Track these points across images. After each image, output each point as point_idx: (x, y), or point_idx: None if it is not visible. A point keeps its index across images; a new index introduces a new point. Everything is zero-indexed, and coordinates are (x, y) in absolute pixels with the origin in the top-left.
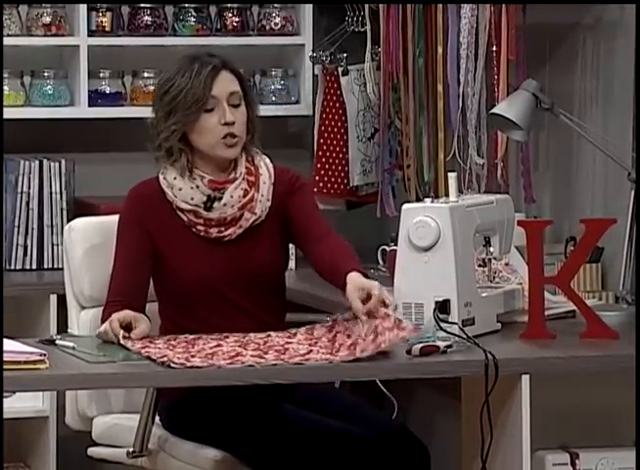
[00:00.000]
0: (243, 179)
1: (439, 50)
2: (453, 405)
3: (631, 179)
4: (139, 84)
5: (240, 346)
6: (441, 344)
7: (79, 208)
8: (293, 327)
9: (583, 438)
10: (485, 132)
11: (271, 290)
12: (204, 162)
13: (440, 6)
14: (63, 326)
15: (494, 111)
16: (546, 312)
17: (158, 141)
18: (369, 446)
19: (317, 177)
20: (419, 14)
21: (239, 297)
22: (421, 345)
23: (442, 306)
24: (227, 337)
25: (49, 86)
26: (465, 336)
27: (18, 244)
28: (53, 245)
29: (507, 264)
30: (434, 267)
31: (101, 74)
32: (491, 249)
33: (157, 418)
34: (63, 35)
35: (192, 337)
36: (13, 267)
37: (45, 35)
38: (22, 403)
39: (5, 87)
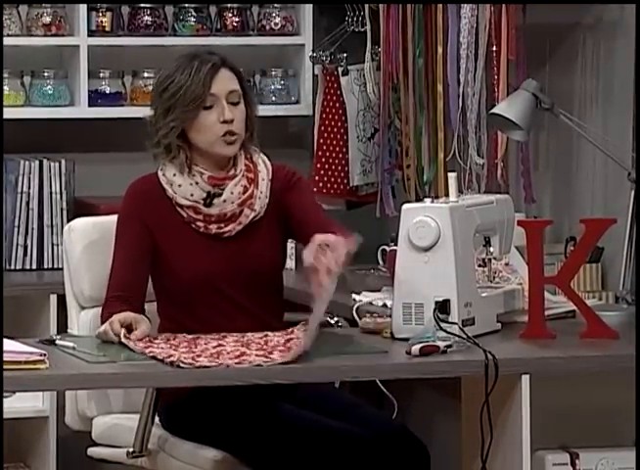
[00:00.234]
0: (242, 176)
1: (439, 50)
2: (453, 405)
3: (631, 179)
4: (139, 84)
5: (242, 345)
6: (441, 344)
7: (79, 208)
8: (291, 327)
9: (583, 438)
10: (485, 132)
11: (270, 288)
12: (202, 159)
13: (440, 6)
14: (63, 326)
15: (494, 111)
16: (546, 312)
17: (156, 138)
18: (369, 446)
19: (317, 177)
20: (419, 14)
21: (237, 293)
22: (421, 345)
23: (442, 306)
24: (225, 337)
25: (49, 86)
26: (465, 336)
27: (18, 244)
28: (53, 245)
29: (507, 264)
30: (433, 267)
31: (101, 74)
32: (491, 249)
33: (156, 418)
34: (63, 35)
35: (190, 337)
36: (13, 267)
37: (45, 35)
38: (22, 403)
39: (5, 87)
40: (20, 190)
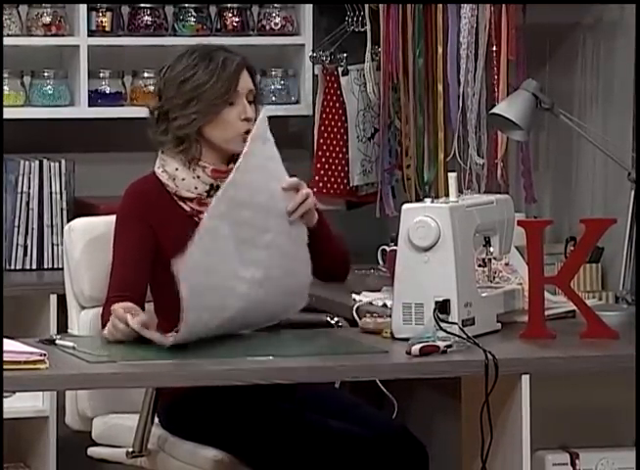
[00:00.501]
0: None
1: (439, 50)
2: (453, 405)
3: (631, 179)
4: (139, 84)
5: None
6: (441, 344)
7: (79, 208)
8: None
9: (583, 438)
10: (485, 132)
11: None
12: (210, 153)
13: (440, 6)
14: (63, 326)
15: (494, 111)
16: (546, 312)
17: (168, 127)
18: (369, 447)
19: (317, 177)
20: (419, 14)
21: None
22: (421, 345)
23: (442, 306)
24: None
25: (49, 86)
26: (465, 336)
27: (18, 244)
28: (53, 245)
29: (507, 264)
30: (434, 267)
31: (101, 74)
32: (491, 249)
33: (156, 418)
34: (63, 35)
35: None
36: (13, 267)
37: (45, 35)
38: (22, 403)
39: (5, 87)
40: (20, 190)
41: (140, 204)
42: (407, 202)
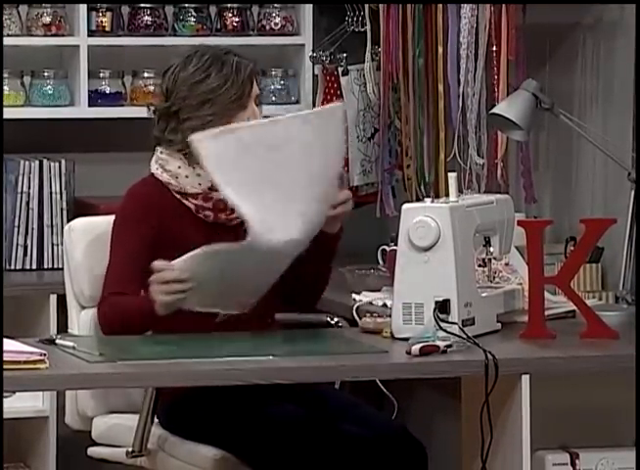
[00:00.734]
0: None
1: (439, 50)
2: (453, 405)
3: (631, 179)
4: (139, 84)
5: None
6: (441, 344)
7: (79, 208)
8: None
9: (583, 438)
10: (485, 132)
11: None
12: None
13: (440, 6)
14: (63, 326)
15: (494, 111)
16: (546, 312)
17: (177, 126)
18: (368, 447)
19: None
20: (419, 14)
21: None
22: (421, 345)
23: (442, 306)
24: None
25: (49, 86)
26: (465, 336)
27: (18, 244)
28: (53, 245)
29: (507, 264)
30: (434, 267)
31: (101, 74)
32: (491, 249)
33: (156, 418)
34: (63, 35)
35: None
36: (13, 267)
37: (45, 35)
38: (22, 403)
39: (5, 87)
40: (20, 190)
41: (142, 205)
42: (407, 202)
